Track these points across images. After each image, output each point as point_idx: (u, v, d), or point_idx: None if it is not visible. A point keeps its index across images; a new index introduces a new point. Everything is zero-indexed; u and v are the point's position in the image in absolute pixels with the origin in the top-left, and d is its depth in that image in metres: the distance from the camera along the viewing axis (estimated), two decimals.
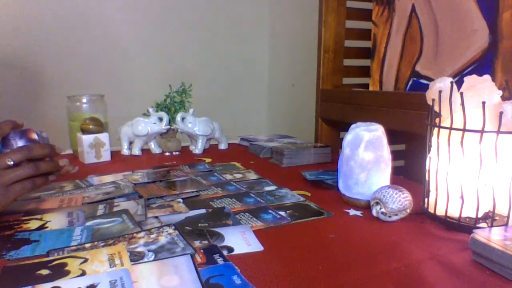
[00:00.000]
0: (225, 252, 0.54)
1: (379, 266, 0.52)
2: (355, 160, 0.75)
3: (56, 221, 0.65)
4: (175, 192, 0.81)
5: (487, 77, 0.63)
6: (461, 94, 0.61)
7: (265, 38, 2.01)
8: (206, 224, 0.65)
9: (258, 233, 0.61)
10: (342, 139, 0.80)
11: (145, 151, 1.25)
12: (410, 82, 1.23)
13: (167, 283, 0.46)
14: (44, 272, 0.48)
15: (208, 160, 1.15)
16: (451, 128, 0.62)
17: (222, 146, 1.34)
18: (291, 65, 2.01)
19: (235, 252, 0.55)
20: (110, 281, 0.46)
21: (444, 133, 0.65)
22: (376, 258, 0.54)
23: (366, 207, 0.73)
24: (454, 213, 0.65)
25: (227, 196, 0.80)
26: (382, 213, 0.67)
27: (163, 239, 0.58)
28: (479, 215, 0.62)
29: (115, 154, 1.19)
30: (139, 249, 0.54)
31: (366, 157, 0.74)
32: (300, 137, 1.42)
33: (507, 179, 0.60)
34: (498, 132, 0.58)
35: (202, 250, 0.54)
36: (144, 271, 0.49)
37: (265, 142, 1.30)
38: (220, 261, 0.51)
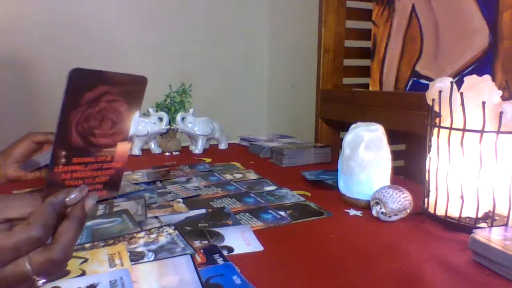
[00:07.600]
0: (225, 252, 0.54)
1: (379, 266, 0.52)
2: (355, 160, 0.75)
3: None
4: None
5: (487, 77, 0.63)
6: (461, 94, 0.60)
7: (265, 38, 2.01)
8: (206, 224, 0.64)
9: (258, 233, 0.61)
10: (342, 139, 0.80)
11: (145, 151, 1.25)
12: (410, 82, 1.23)
13: (167, 283, 0.46)
14: None
15: (208, 160, 1.15)
16: (451, 128, 0.62)
17: (222, 146, 1.34)
18: (291, 65, 2.01)
19: (235, 252, 0.55)
20: (110, 281, 0.46)
21: (444, 133, 0.65)
22: (376, 258, 0.54)
23: (366, 207, 0.73)
24: (454, 213, 0.64)
25: (227, 196, 0.80)
26: (382, 213, 0.67)
27: (163, 239, 0.58)
28: (479, 215, 0.62)
29: None
30: (139, 249, 0.54)
31: (366, 157, 0.74)
32: (300, 137, 1.42)
33: (507, 179, 0.60)
34: (498, 132, 0.58)
35: (202, 250, 0.54)
36: (144, 271, 0.49)
37: (265, 142, 1.29)
38: (220, 261, 0.51)
